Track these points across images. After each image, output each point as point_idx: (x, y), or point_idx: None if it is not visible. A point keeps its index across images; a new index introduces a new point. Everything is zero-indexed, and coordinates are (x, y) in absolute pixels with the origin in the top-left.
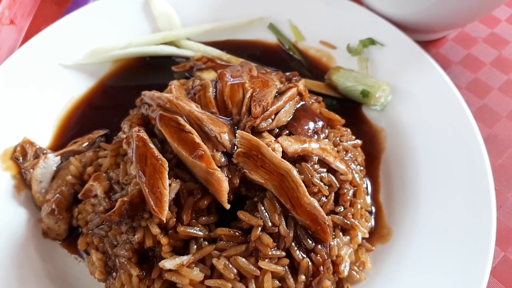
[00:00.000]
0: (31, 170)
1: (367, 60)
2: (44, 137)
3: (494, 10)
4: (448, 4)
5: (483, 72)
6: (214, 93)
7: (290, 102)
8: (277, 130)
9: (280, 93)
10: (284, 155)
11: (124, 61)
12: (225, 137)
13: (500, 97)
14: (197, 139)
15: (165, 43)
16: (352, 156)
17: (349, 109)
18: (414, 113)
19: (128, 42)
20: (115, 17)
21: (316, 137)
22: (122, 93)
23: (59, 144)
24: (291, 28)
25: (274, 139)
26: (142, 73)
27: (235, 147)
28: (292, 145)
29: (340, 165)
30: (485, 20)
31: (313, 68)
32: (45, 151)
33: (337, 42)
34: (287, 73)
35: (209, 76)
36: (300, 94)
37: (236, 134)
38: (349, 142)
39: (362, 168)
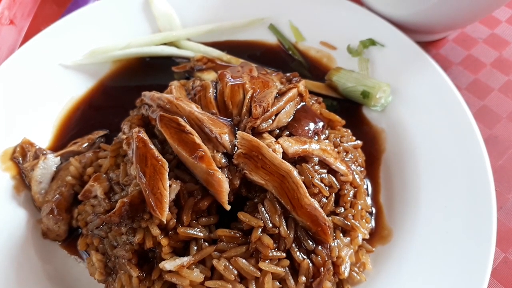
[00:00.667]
0: (31, 170)
1: (367, 61)
2: (44, 137)
3: (494, 11)
4: (448, 5)
5: (484, 73)
6: (214, 94)
7: (291, 103)
8: (278, 131)
9: (281, 94)
10: (285, 156)
11: (124, 61)
12: (226, 138)
13: (501, 98)
14: (198, 140)
15: (165, 44)
16: (352, 157)
17: (349, 110)
18: (414, 114)
19: (128, 42)
20: (115, 17)
21: (316, 138)
22: (122, 93)
23: (59, 144)
24: (291, 29)
25: (275, 140)
26: (142, 74)
27: (236, 148)
28: (293, 146)
29: (340, 166)
30: (485, 21)
31: (313, 69)
32: (44, 152)
33: (338, 43)
34: (288, 74)
35: (209, 76)
36: (300, 95)
37: (237, 135)
38: (349, 143)
39: (362, 169)
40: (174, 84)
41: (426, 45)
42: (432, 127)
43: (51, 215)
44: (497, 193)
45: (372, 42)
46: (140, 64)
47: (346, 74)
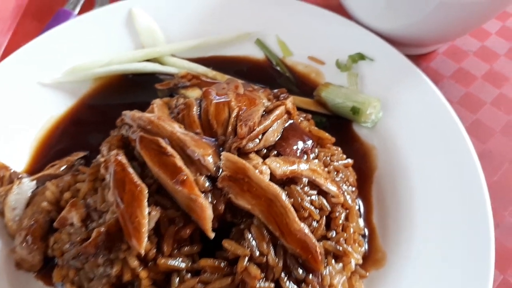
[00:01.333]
0: (5, 196)
1: (356, 76)
2: (20, 160)
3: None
4: (437, 19)
5: (475, 86)
6: (198, 112)
7: (278, 121)
8: (265, 151)
9: (268, 112)
10: (273, 177)
11: (106, 78)
12: (209, 160)
13: (493, 111)
14: (179, 162)
15: (149, 60)
16: (343, 176)
17: (339, 126)
18: (406, 130)
19: (110, 59)
20: (97, 33)
21: (305, 157)
22: (104, 112)
23: (36, 167)
24: (278, 44)
25: (262, 160)
26: (124, 91)
27: (220, 170)
28: (281, 166)
29: (331, 187)
30: (475, 33)
31: (301, 85)
32: (20, 176)
33: (326, 58)
34: (275, 90)
35: (193, 94)
36: (288, 112)
37: (221, 156)
38: (340, 162)
39: (354, 188)
40: (156, 103)
41: (417, 59)
42: (424, 143)
43: (25, 244)
44: (493, 210)
45: (361, 57)
46: (123, 82)
47: (335, 89)
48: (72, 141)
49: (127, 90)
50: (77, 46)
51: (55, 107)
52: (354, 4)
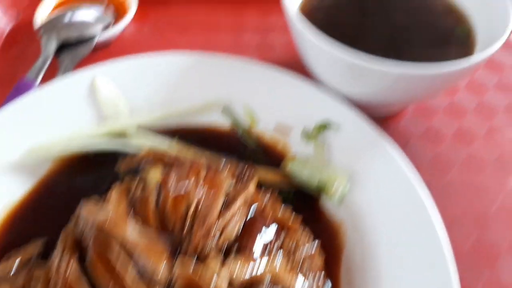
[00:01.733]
0: None
1: (323, 146)
2: None
3: None
4: (401, 88)
5: (445, 146)
6: (156, 197)
7: (240, 211)
8: (226, 245)
9: (230, 201)
10: (233, 281)
11: (66, 157)
12: (161, 272)
13: (463, 174)
14: (129, 280)
15: (113, 134)
16: (310, 263)
17: (306, 201)
18: (374, 204)
19: (70, 136)
20: (57, 106)
21: (269, 247)
22: (65, 195)
23: None
24: (245, 113)
25: (221, 262)
26: (86, 170)
27: (173, 281)
28: (241, 270)
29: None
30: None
31: (268, 155)
32: None
33: (293, 127)
34: (241, 165)
35: (155, 174)
36: (251, 200)
37: (174, 268)
38: (306, 247)
39: (322, 273)
40: (113, 195)
41: (385, 121)
42: (391, 219)
43: None
44: (466, 284)
45: (326, 126)
46: (85, 160)
47: (300, 163)
48: (30, 229)
49: (89, 168)
50: (35, 122)
51: (11, 192)
52: (319, 71)
